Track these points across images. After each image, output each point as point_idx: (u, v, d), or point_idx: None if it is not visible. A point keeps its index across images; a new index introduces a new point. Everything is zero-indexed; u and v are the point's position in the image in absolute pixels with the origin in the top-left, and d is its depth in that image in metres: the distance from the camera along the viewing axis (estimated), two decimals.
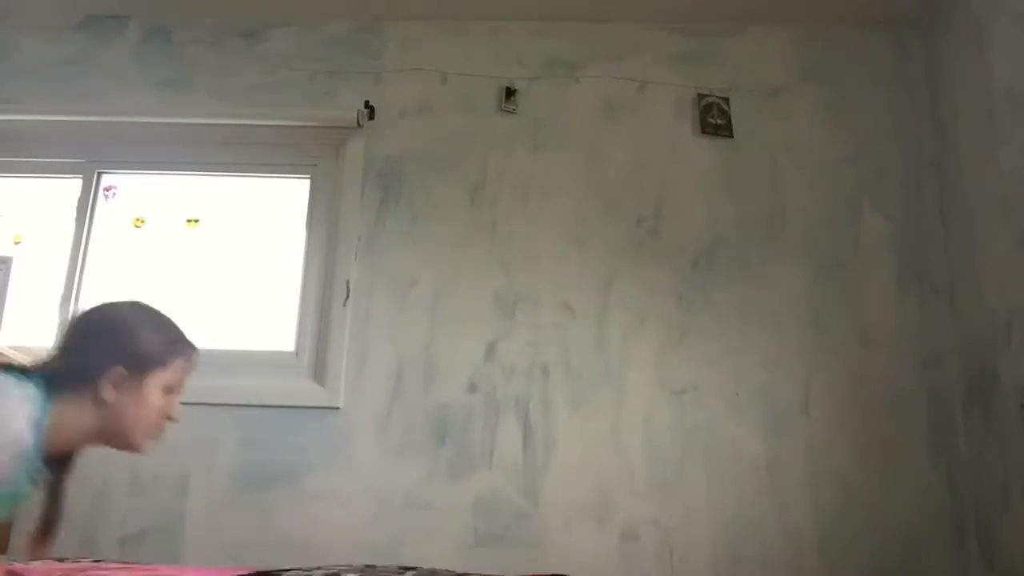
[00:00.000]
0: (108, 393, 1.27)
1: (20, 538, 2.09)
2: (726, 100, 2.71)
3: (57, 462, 1.32)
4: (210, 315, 2.62)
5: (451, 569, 1.90)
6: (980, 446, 2.30)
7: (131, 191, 2.77)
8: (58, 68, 2.79)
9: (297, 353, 2.55)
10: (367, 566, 1.80)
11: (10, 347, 2.29)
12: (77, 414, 1.27)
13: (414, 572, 1.68)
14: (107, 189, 2.77)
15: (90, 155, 2.76)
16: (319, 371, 2.49)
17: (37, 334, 2.56)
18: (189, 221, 2.74)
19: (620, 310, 2.51)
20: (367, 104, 2.69)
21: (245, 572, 1.62)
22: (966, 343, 2.39)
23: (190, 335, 1.43)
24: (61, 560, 1.77)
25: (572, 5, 2.74)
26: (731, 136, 2.67)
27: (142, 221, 2.75)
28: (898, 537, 2.30)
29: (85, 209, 2.71)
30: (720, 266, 2.55)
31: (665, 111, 2.71)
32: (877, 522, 2.31)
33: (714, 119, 2.68)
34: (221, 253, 2.70)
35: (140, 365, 1.30)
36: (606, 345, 2.48)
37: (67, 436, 1.27)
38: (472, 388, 2.45)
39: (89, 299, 2.64)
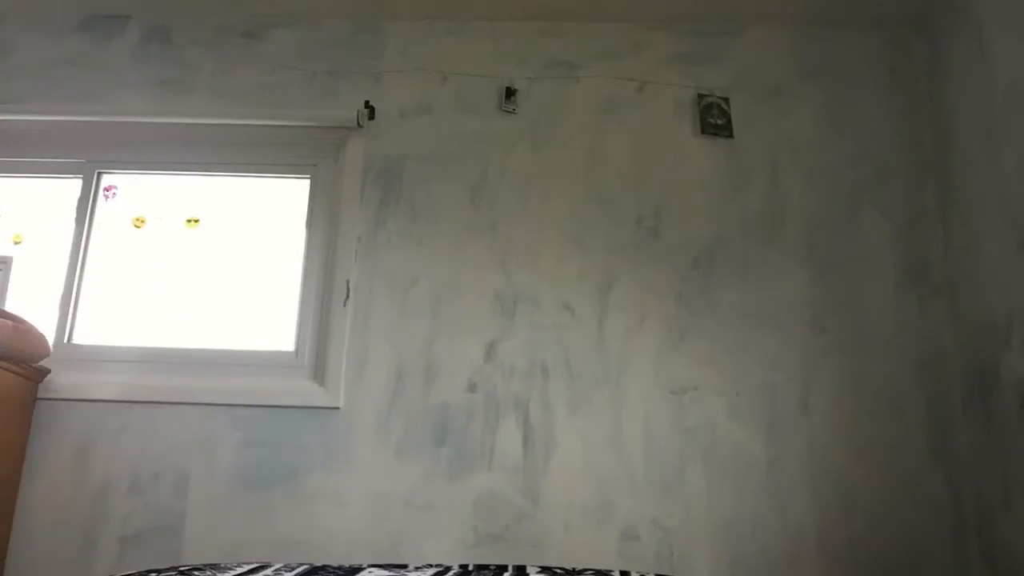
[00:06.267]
0: None
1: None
2: (726, 100, 2.71)
3: None
4: (210, 315, 2.62)
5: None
6: (980, 446, 2.30)
7: (131, 191, 2.77)
8: (58, 68, 2.80)
9: (297, 353, 2.55)
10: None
11: None
12: None
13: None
14: (107, 189, 2.77)
15: (90, 155, 2.76)
16: (319, 371, 2.49)
17: None
18: (189, 221, 2.74)
19: (620, 310, 2.51)
20: (367, 104, 2.69)
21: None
22: (966, 343, 2.39)
23: None
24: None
25: (572, 5, 2.74)
26: (731, 136, 2.67)
27: (142, 221, 2.75)
28: (898, 537, 2.30)
29: (85, 209, 2.71)
30: (720, 266, 2.55)
31: (665, 111, 2.71)
32: (877, 522, 2.31)
33: (714, 119, 2.68)
34: (221, 253, 2.70)
35: None
36: (606, 345, 2.48)
37: None
38: (472, 388, 2.45)
39: (89, 299, 2.65)
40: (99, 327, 2.62)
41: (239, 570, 1.52)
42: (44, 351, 2.40)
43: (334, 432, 2.42)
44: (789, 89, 2.72)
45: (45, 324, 2.52)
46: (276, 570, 1.55)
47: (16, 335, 2.28)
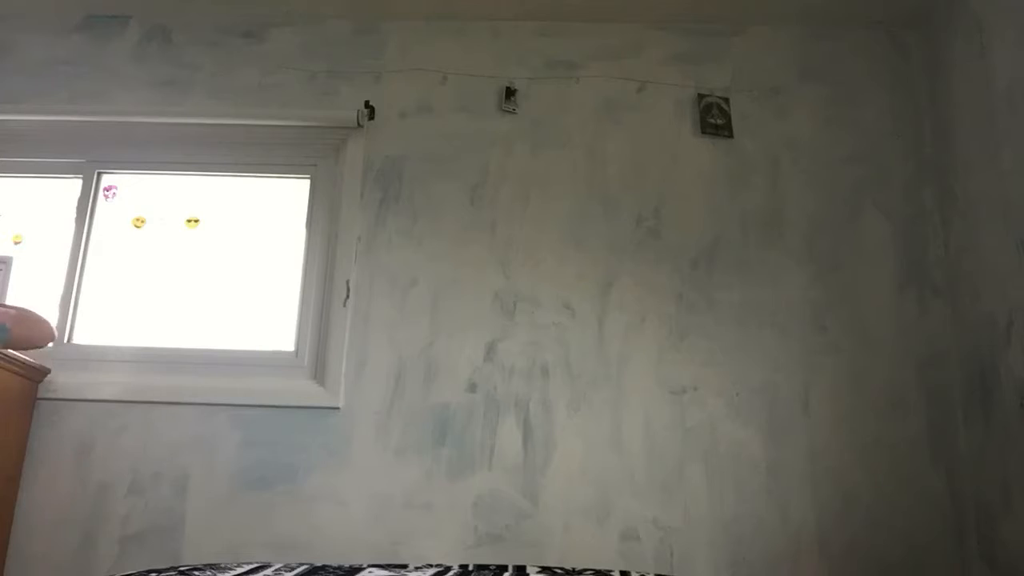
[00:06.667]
0: None
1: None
2: (726, 100, 2.71)
3: None
4: (210, 315, 2.62)
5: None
6: (980, 446, 2.30)
7: (131, 191, 2.77)
8: (58, 68, 2.80)
9: (297, 353, 2.55)
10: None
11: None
12: None
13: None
14: (107, 189, 2.77)
15: (90, 155, 2.76)
16: (319, 371, 2.50)
17: None
18: (189, 221, 2.74)
19: (620, 310, 2.51)
20: (367, 104, 2.69)
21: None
22: (966, 343, 2.39)
23: None
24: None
25: (572, 5, 2.74)
26: (731, 136, 2.67)
27: (142, 221, 2.75)
28: (898, 537, 2.30)
29: (85, 209, 2.71)
30: (720, 266, 2.55)
31: (665, 111, 2.71)
32: (877, 522, 2.31)
33: (714, 119, 2.68)
34: (221, 253, 2.70)
35: None
36: (606, 345, 2.48)
37: None
38: (472, 388, 2.45)
39: (89, 299, 2.65)
40: (99, 327, 2.62)
41: (239, 570, 1.52)
42: (49, 335, 2.41)
43: (334, 432, 2.42)
44: (789, 89, 2.72)
45: None
46: (276, 570, 1.55)
47: (20, 321, 2.29)
